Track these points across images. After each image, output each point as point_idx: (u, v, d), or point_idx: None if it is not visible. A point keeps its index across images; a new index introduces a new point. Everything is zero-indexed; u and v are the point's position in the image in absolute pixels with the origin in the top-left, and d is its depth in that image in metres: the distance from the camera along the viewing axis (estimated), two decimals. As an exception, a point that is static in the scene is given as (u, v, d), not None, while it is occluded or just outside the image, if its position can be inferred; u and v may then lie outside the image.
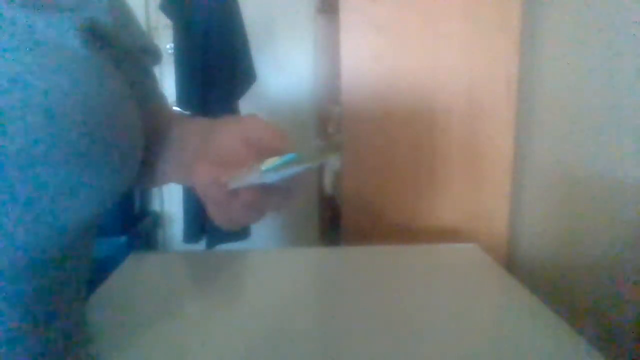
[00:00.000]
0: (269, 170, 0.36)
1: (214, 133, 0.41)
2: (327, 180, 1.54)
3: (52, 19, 0.33)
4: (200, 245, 1.70)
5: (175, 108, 1.70)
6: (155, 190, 2.14)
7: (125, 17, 0.45)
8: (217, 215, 0.37)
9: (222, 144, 0.40)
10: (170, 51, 1.80)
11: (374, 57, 1.14)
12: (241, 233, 1.63)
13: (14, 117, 0.29)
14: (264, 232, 1.98)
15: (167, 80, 1.96)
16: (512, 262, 1.24)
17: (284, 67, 2.13)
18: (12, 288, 0.33)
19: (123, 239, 1.60)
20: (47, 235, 0.32)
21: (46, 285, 0.36)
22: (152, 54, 0.52)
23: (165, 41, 1.98)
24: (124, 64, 0.43)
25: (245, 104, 1.82)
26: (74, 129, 0.31)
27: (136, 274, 0.83)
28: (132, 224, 1.72)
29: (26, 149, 0.30)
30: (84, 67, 0.33)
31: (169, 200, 2.16)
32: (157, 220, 2.10)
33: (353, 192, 1.21)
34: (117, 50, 0.42)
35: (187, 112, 1.65)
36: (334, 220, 1.59)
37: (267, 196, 0.36)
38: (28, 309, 0.35)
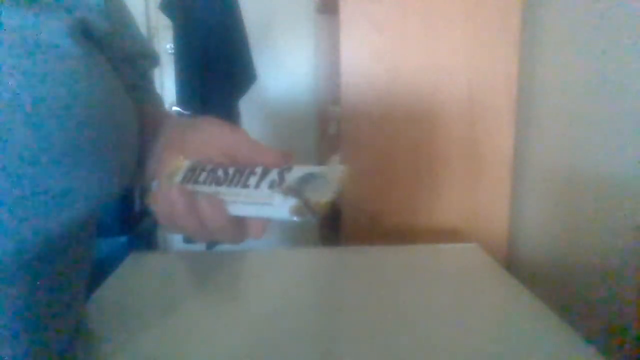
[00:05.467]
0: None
1: (194, 133, 0.42)
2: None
3: (42, 18, 0.32)
4: (200, 246, 1.70)
5: (175, 108, 1.70)
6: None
7: (122, 21, 0.45)
8: (165, 215, 0.38)
9: (198, 148, 0.41)
10: (170, 51, 1.80)
11: (374, 57, 1.14)
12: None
13: (1, 117, 0.29)
14: (264, 232, 1.98)
15: (167, 80, 1.96)
16: (512, 262, 1.24)
17: (284, 67, 2.13)
18: (7, 289, 0.33)
19: (123, 239, 1.60)
20: (39, 236, 0.32)
21: (42, 286, 0.36)
22: (150, 59, 0.52)
23: (165, 41, 1.98)
24: (121, 66, 0.43)
25: (245, 104, 1.82)
26: (62, 129, 0.31)
27: (136, 274, 0.83)
28: (132, 224, 1.71)
29: (14, 149, 0.29)
30: (74, 67, 0.33)
31: (169, 200, 2.15)
32: (157, 220, 2.09)
33: (353, 192, 1.21)
34: (114, 53, 0.41)
35: (187, 112, 1.65)
36: (334, 220, 1.59)
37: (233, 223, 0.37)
38: (25, 309, 0.35)
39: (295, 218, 0.33)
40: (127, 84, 0.41)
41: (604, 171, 0.90)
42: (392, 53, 1.14)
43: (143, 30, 2.12)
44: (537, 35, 1.14)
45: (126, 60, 0.46)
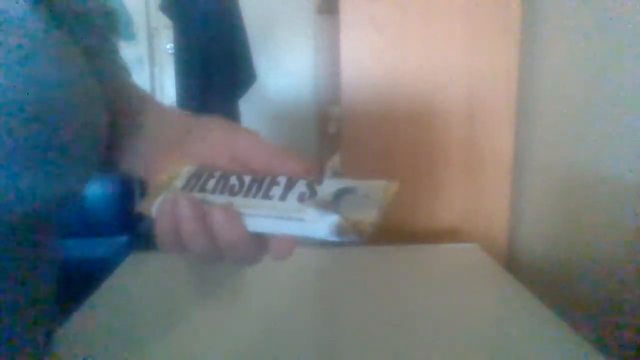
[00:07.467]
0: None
1: (200, 132, 0.37)
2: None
3: None
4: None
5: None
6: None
7: None
8: (164, 230, 0.32)
9: (204, 150, 0.35)
10: (170, 51, 1.80)
11: (374, 57, 1.14)
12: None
13: None
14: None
15: (167, 80, 1.96)
16: (512, 262, 1.24)
17: (284, 67, 2.13)
18: None
19: (123, 239, 1.60)
20: None
21: None
22: (111, 17, 0.44)
23: (165, 41, 1.98)
24: (75, 29, 0.36)
25: (245, 104, 1.83)
26: (9, 121, 0.25)
27: (136, 274, 0.83)
28: (132, 224, 1.71)
29: None
30: (29, 44, 0.27)
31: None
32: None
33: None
34: (64, 11, 0.35)
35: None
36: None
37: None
38: None
39: (335, 238, 0.28)
40: (87, 54, 0.34)
41: (604, 171, 0.90)
42: (392, 53, 1.14)
43: (143, 30, 2.12)
44: (537, 35, 1.14)
45: (81, 20, 0.39)
